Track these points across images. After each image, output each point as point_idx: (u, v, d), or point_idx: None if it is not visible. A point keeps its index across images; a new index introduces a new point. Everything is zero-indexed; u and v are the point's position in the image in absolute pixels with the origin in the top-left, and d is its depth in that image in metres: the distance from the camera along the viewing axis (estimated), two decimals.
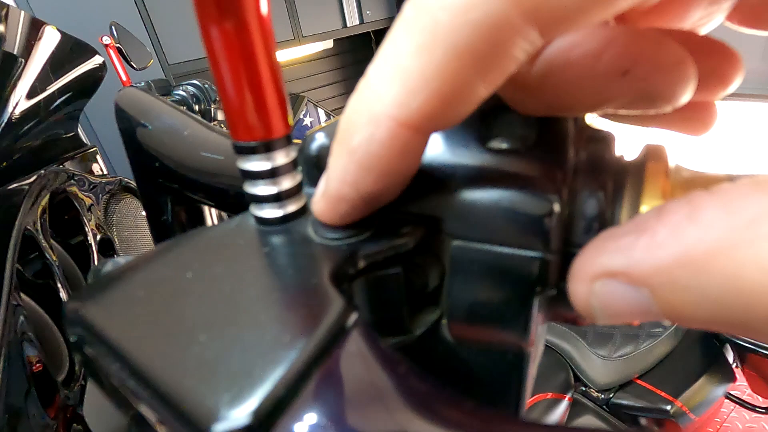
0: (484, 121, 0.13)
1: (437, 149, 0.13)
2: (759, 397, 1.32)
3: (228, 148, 0.21)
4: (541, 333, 0.15)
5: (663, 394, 1.04)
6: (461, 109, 0.10)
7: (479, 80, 0.09)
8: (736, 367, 1.25)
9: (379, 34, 2.71)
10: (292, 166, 0.12)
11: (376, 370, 0.08)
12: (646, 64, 0.11)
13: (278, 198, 0.12)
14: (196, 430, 0.07)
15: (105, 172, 0.80)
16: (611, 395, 1.05)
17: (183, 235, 0.13)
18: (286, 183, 0.12)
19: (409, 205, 0.12)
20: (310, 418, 0.07)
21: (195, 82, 0.85)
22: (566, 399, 0.92)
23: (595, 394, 1.06)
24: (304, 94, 2.52)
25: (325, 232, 0.12)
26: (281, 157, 0.12)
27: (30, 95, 0.56)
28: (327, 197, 0.11)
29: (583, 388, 1.04)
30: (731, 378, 1.15)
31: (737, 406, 1.40)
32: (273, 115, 0.11)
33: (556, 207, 0.11)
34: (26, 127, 0.55)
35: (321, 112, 2.47)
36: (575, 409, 0.97)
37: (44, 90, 0.55)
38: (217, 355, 0.08)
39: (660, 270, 0.08)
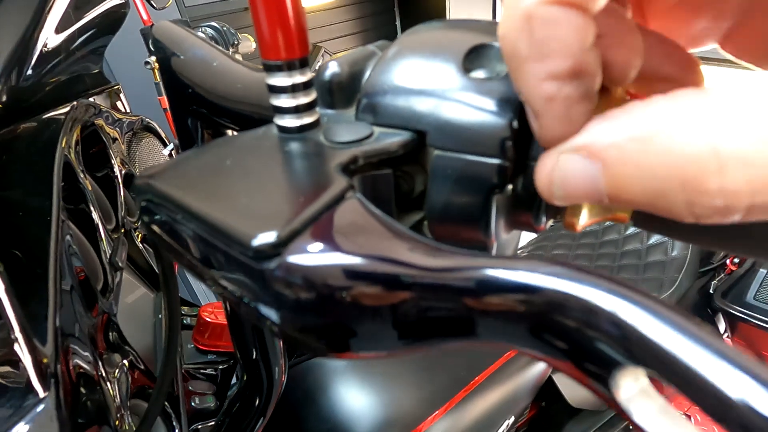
0: (468, 56, 0.16)
1: (429, 77, 0.15)
2: None
3: (252, 78, 0.24)
4: (507, 240, 0.18)
5: None
6: None
7: None
8: (727, 337, 1.30)
9: None
10: (309, 84, 0.15)
11: (366, 218, 0.11)
12: (614, 38, 0.13)
13: (296, 110, 0.15)
14: (241, 246, 0.11)
15: (128, 110, 0.83)
16: None
17: (220, 138, 0.16)
18: (303, 98, 0.15)
19: (403, 121, 0.15)
20: (315, 241, 0.11)
21: (214, 24, 0.86)
22: None
23: None
24: (321, 45, 2.47)
25: (334, 138, 0.15)
26: (299, 76, 0.15)
27: (59, 29, 0.59)
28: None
29: None
30: None
31: None
32: (294, 40, 0.14)
33: (514, 125, 0.14)
34: (56, 60, 0.58)
35: None
36: None
37: (72, 24, 0.57)
38: (254, 207, 0.11)
39: (614, 144, 0.11)
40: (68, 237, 0.40)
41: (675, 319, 0.08)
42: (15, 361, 0.20)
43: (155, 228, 0.14)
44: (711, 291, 1.20)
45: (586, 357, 0.09)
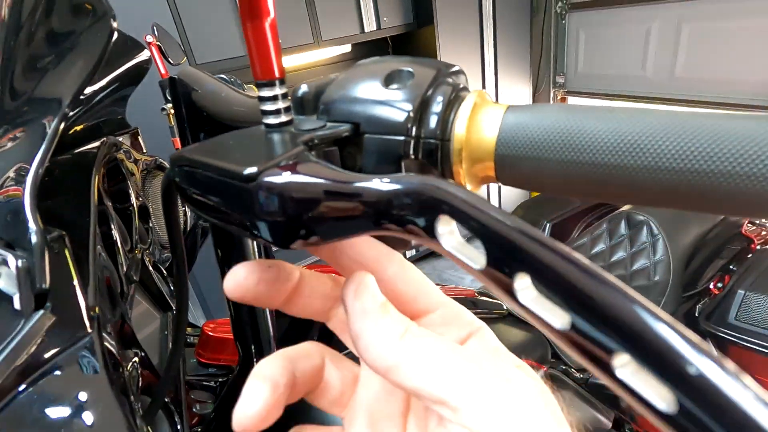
0: (388, 76, 0.24)
1: (362, 90, 0.24)
2: None
3: (248, 103, 0.33)
4: None
5: None
6: None
7: None
8: None
9: (396, 40, 2.83)
10: (285, 95, 0.24)
11: (311, 161, 0.19)
12: None
13: (277, 113, 0.24)
14: (238, 175, 0.18)
15: (145, 150, 0.93)
16: (590, 375, 1.13)
17: (228, 133, 0.24)
18: (281, 104, 0.24)
19: (345, 117, 0.23)
20: (281, 171, 0.18)
21: (223, 76, 0.98)
22: (543, 369, 1.01)
23: (576, 374, 1.14)
24: None
25: (300, 128, 0.23)
26: (278, 89, 0.23)
27: (95, 81, 0.69)
28: None
29: (563, 367, 1.13)
30: None
31: None
32: (275, 67, 0.23)
33: (411, 115, 0.22)
34: (89, 106, 0.68)
35: None
36: (554, 383, 1.06)
37: (105, 76, 0.67)
38: (246, 159, 0.19)
39: None
40: (98, 247, 0.48)
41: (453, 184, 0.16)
42: (72, 302, 0.27)
43: (182, 182, 0.22)
44: (696, 315, 1.24)
45: (414, 222, 0.17)
